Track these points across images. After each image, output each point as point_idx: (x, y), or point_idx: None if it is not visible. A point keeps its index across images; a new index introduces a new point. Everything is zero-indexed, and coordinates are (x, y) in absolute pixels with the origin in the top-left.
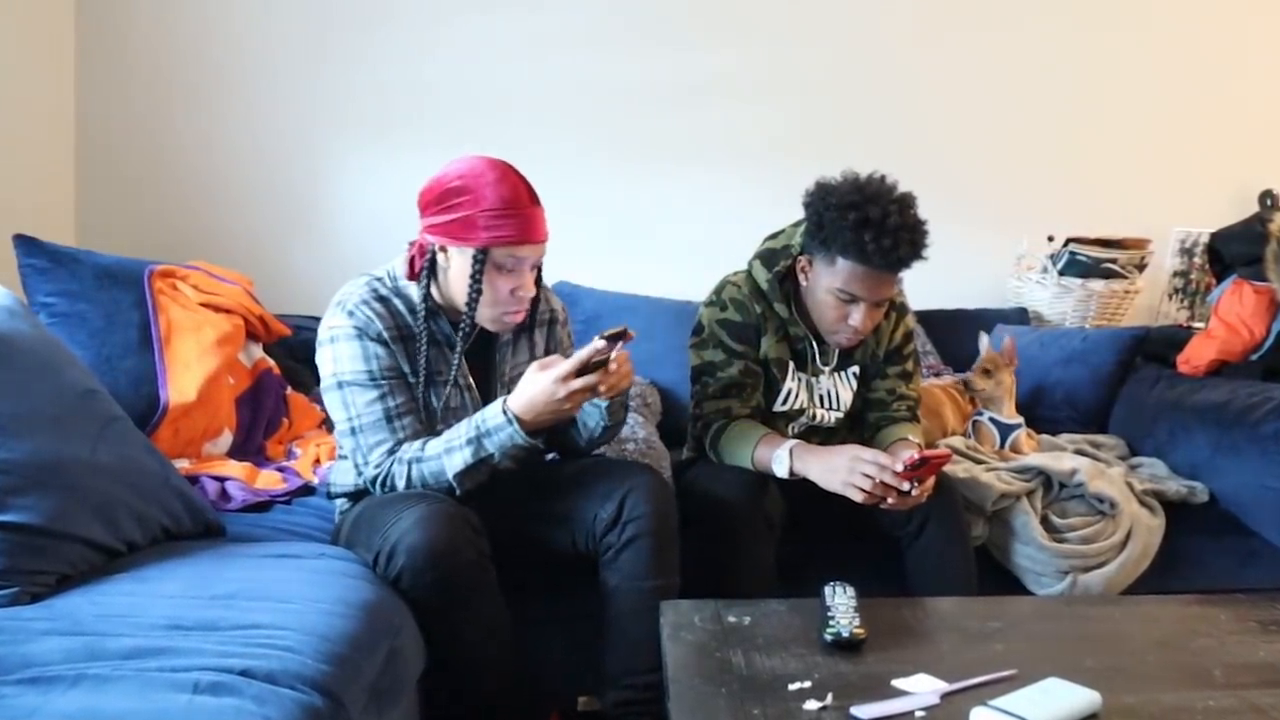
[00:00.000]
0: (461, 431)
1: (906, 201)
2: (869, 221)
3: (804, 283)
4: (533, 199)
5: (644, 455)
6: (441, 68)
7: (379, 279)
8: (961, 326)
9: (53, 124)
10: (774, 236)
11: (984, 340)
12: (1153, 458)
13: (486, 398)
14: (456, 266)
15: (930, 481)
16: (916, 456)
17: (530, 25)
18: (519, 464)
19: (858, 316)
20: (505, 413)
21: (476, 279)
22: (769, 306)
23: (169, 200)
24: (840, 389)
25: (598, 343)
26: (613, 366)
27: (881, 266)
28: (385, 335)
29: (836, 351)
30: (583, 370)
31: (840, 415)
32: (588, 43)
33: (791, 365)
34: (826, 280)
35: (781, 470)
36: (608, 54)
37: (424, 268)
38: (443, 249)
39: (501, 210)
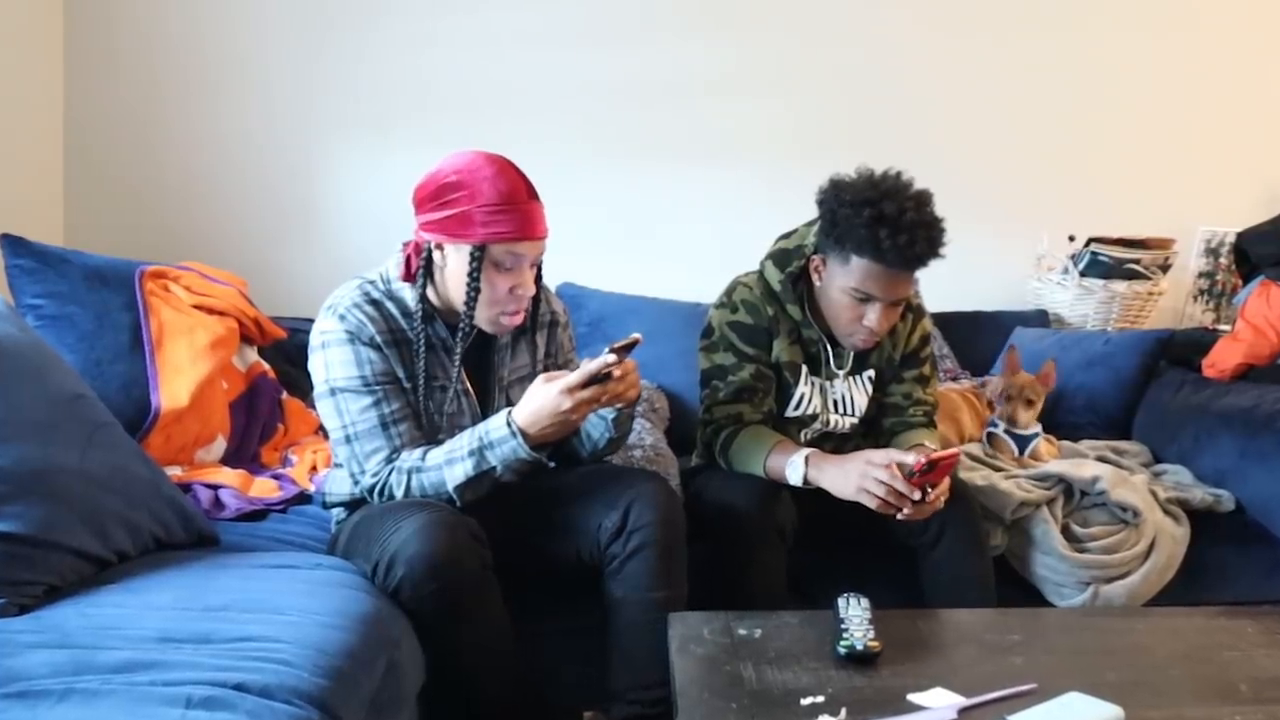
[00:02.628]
0: (464, 442)
1: (923, 198)
2: (884, 218)
3: (817, 283)
4: (531, 194)
5: (651, 462)
6: (441, 63)
7: (371, 282)
8: (980, 329)
9: (40, 120)
10: (787, 236)
11: (1009, 359)
12: (1177, 465)
13: (484, 402)
14: (453, 265)
15: (945, 485)
16: (924, 460)
17: (532, 18)
18: (522, 477)
19: (873, 317)
20: (509, 425)
21: (475, 277)
22: (781, 308)
23: (160, 199)
24: (855, 394)
25: (608, 356)
26: (617, 373)
27: (897, 264)
28: (378, 339)
29: (851, 355)
30: (590, 382)
31: (855, 421)
32: (592, 37)
33: (804, 369)
34: (841, 279)
35: (795, 478)
36: (614, 48)
37: (420, 267)
38: (439, 247)
39: (499, 205)
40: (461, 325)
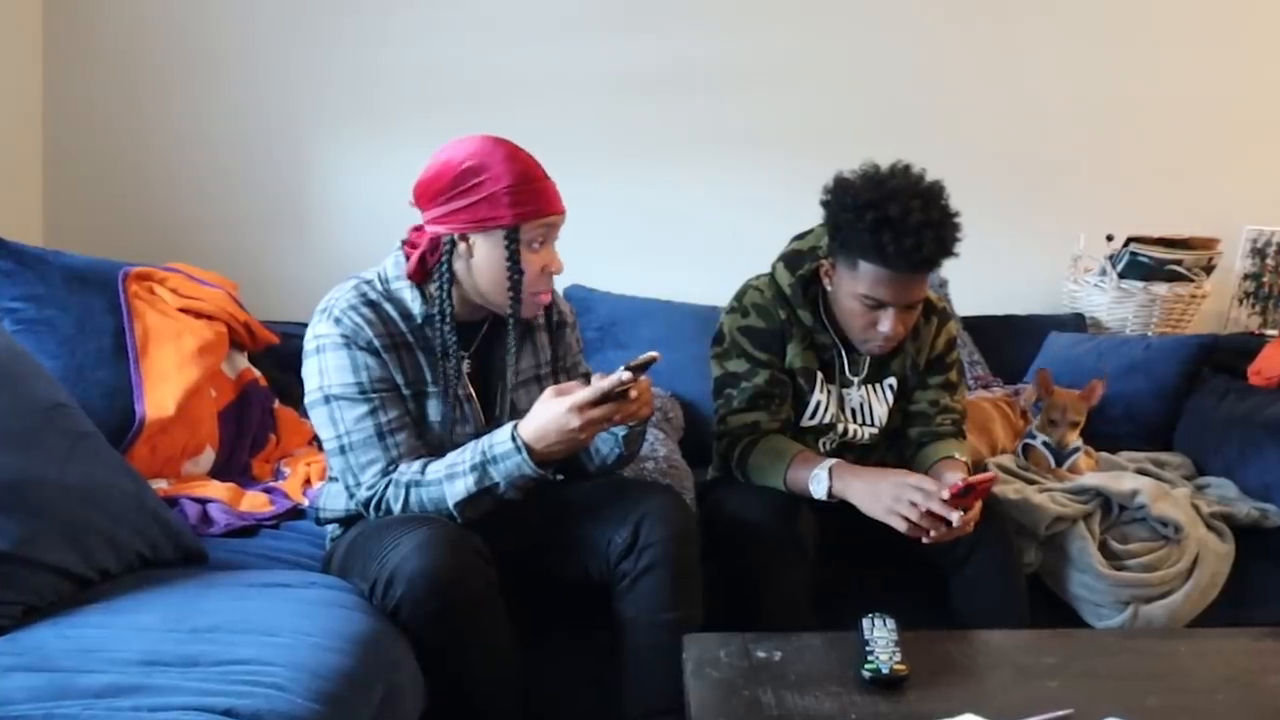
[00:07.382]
0: (466, 456)
1: (931, 194)
2: (888, 221)
3: (828, 287)
4: (543, 170)
5: (665, 475)
6: (439, 53)
7: (368, 282)
8: (1013, 334)
9: (19, 113)
10: (801, 237)
11: (1040, 380)
12: (1221, 477)
13: (487, 408)
14: (483, 254)
15: (976, 509)
16: (961, 484)
17: (537, 6)
18: (526, 495)
19: (887, 323)
20: (514, 439)
21: (515, 261)
22: (793, 312)
23: (145, 197)
24: (874, 402)
25: (623, 374)
26: (633, 393)
27: (906, 269)
28: (376, 344)
29: (867, 361)
30: (602, 400)
31: (875, 431)
32: (601, 26)
33: (819, 376)
34: (850, 285)
35: (820, 491)
36: (623, 39)
37: (439, 263)
38: (463, 238)
39: (522, 184)
40: (510, 314)
